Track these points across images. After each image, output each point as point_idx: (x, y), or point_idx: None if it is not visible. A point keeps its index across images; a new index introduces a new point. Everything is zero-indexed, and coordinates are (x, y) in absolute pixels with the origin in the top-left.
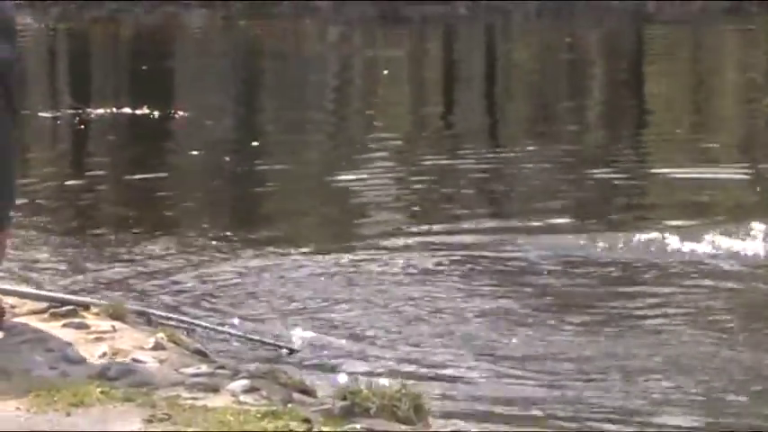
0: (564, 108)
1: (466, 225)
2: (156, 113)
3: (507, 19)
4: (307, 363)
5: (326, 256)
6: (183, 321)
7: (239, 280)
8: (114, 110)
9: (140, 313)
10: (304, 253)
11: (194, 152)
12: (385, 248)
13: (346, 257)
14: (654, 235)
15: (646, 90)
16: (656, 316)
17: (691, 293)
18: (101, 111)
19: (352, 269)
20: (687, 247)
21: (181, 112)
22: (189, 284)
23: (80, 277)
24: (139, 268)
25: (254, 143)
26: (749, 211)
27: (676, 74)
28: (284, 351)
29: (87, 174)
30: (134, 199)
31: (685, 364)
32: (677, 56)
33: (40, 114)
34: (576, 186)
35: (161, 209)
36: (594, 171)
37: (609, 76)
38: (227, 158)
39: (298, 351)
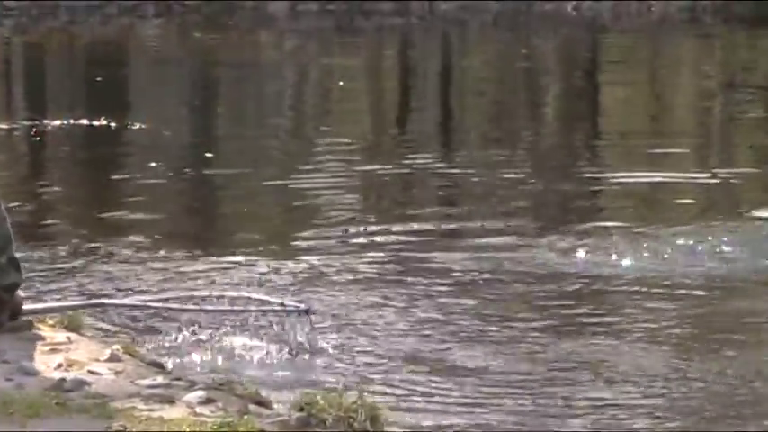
0: (519, 115)
1: (412, 228)
2: (114, 124)
3: (463, 28)
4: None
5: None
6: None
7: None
8: (72, 121)
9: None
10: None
11: (153, 163)
12: (337, 252)
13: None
14: (602, 240)
15: (600, 98)
16: (601, 324)
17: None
18: (57, 122)
19: (304, 274)
20: (632, 252)
21: (138, 124)
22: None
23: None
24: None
25: (209, 154)
26: (702, 216)
27: (632, 82)
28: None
29: (42, 184)
30: (95, 206)
31: (629, 374)
32: (633, 64)
33: None
34: (525, 192)
35: (124, 217)
36: (546, 177)
37: (564, 84)
38: (187, 169)
39: (313, 312)
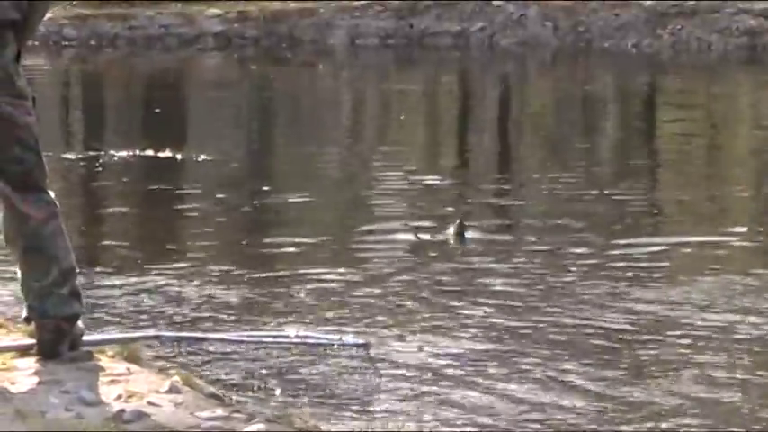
0: (575, 147)
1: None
2: (179, 156)
3: (522, 65)
4: (318, 410)
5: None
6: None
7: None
8: (138, 152)
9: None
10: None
11: (220, 194)
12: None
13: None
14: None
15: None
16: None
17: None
18: (123, 153)
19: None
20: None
21: (203, 156)
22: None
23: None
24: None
25: (266, 187)
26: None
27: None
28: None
29: (108, 214)
30: (160, 237)
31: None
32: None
33: (62, 156)
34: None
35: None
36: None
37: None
38: (255, 201)
39: (367, 345)
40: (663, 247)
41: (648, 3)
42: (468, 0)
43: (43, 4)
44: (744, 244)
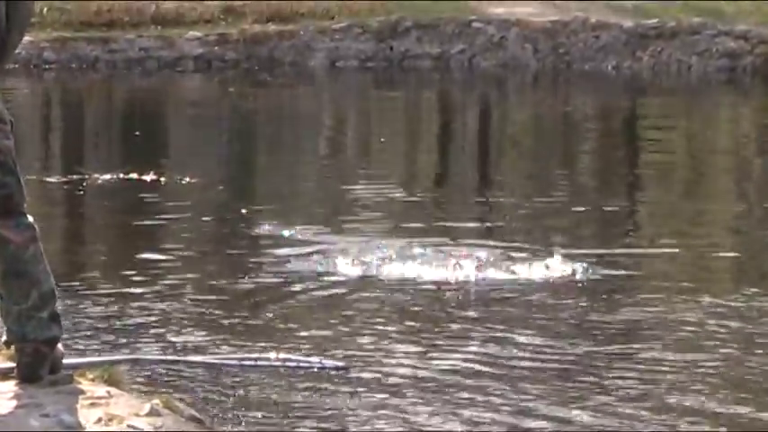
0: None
1: None
2: (163, 179)
3: (502, 86)
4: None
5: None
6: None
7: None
8: (121, 175)
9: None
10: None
11: (206, 217)
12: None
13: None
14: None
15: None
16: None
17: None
18: (107, 176)
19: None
20: None
21: (188, 178)
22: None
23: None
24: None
25: (245, 210)
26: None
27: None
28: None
29: (88, 237)
30: (141, 262)
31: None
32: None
33: (46, 179)
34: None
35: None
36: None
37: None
38: (242, 224)
39: (347, 368)
40: (637, 263)
41: (628, 24)
42: (449, 22)
43: (19, 27)
44: (720, 261)
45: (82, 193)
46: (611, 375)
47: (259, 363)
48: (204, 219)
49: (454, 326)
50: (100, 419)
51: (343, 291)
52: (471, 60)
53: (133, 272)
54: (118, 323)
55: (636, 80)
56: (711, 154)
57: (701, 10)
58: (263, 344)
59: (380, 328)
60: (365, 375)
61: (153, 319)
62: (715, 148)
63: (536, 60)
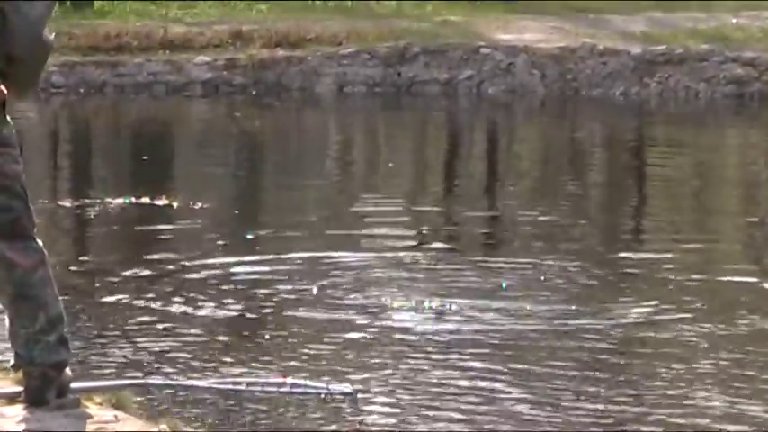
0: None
1: None
2: (176, 204)
3: (510, 112)
4: None
5: None
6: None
7: None
8: (133, 200)
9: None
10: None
11: (221, 242)
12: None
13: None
14: None
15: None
16: None
17: None
18: (120, 200)
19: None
20: None
21: (200, 204)
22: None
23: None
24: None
25: (250, 235)
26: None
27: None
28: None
29: (102, 261)
30: (154, 288)
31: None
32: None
33: (58, 204)
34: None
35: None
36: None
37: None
38: (257, 248)
39: (354, 392)
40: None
41: (636, 51)
42: (457, 48)
43: (29, 55)
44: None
45: (94, 217)
46: (612, 380)
47: (267, 388)
48: (216, 242)
49: (466, 350)
50: None
51: (352, 314)
52: (479, 86)
53: (142, 296)
54: (126, 348)
55: (644, 106)
56: (720, 182)
57: (709, 36)
58: (271, 367)
59: (389, 351)
60: (374, 400)
61: (162, 344)
62: (724, 176)
63: (544, 86)
